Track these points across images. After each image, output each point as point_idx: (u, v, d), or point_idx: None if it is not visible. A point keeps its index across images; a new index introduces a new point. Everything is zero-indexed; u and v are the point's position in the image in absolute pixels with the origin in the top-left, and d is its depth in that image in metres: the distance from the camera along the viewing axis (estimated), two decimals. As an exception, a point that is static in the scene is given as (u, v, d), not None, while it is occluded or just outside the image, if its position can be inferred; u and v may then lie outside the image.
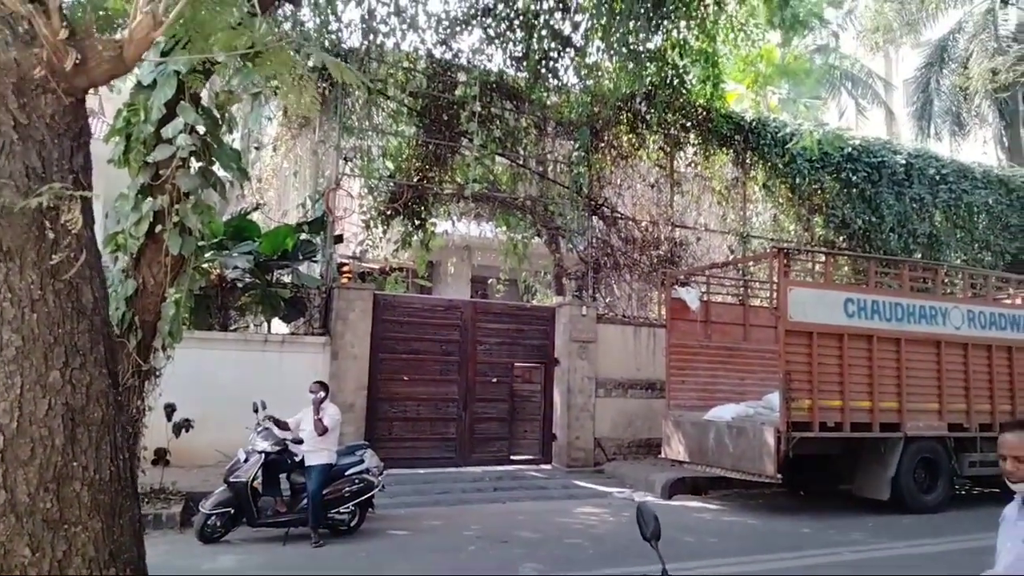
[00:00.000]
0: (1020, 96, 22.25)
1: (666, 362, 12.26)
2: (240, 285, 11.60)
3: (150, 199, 4.30)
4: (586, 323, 13.33)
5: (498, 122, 14.01)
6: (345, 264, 12.84)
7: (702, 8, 12.17)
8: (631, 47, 11.67)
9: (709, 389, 12.21)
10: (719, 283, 14.43)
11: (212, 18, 3.12)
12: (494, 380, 12.95)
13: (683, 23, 12.22)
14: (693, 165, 16.13)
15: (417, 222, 13.86)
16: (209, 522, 7.75)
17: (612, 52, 11.85)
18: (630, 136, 15.22)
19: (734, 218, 16.39)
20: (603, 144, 14.97)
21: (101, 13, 3.84)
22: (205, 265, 10.67)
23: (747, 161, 16.34)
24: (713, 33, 13.16)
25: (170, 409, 8.68)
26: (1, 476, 2.13)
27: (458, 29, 12.72)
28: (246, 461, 7.94)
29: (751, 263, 15.97)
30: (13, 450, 2.15)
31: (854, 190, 16.77)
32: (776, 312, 10.49)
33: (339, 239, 12.79)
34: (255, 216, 12.99)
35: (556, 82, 13.28)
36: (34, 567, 2.14)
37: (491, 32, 12.45)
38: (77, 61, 2.36)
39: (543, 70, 12.69)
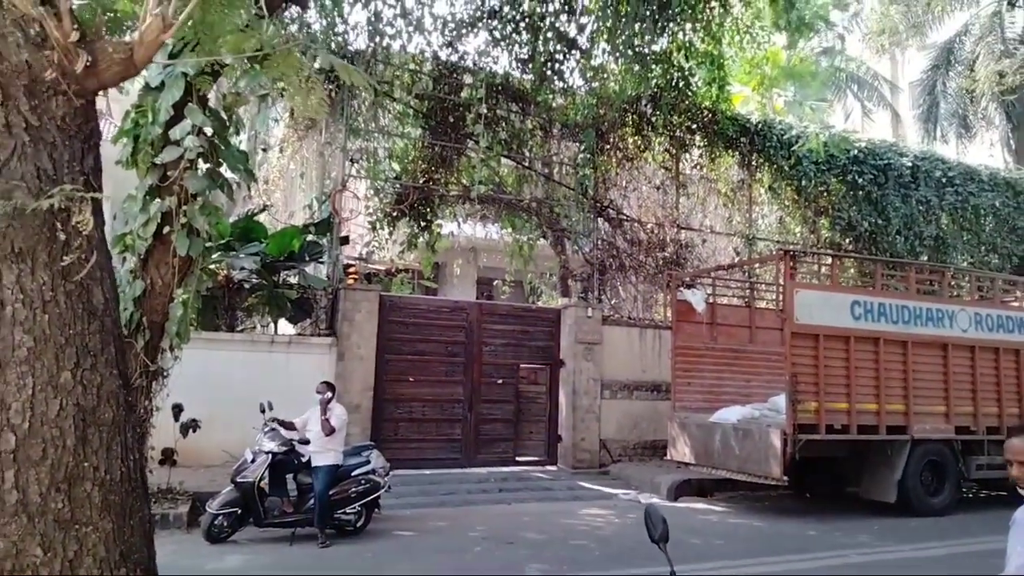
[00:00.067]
0: (1027, 98, 22.16)
1: (672, 364, 12.25)
2: (247, 286, 11.63)
3: (158, 200, 4.32)
4: (592, 325, 13.32)
5: (504, 124, 14.03)
6: (351, 265, 12.87)
7: (707, 10, 12.14)
8: (637, 49, 11.66)
9: (715, 391, 12.20)
10: (725, 285, 14.42)
11: (221, 20, 3.13)
12: (499, 381, 12.96)
13: (688, 25, 12.20)
14: (699, 167, 16.13)
15: (423, 223, 13.88)
16: (216, 522, 7.77)
17: (618, 54, 11.84)
18: (636, 138, 15.23)
19: (740, 220, 16.37)
20: (609, 146, 14.97)
21: (110, 15, 3.86)
22: (212, 266, 10.73)
23: (753, 163, 16.33)
24: (719, 35, 13.14)
25: (177, 409, 8.71)
26: (13, 476, 2.14)
27: (464, 31, 12.72)
28: (253, 461, 7.96)
29: (757, 265, 15.94)
30: (25, 450, 2.17)
31: (860, 192, 16.72)
32: (782, 314, 10.47)
33: (345, 240, 12.82)
34: (262, 217, 13.02)
35: (562, 84, 13.26)
36: (46, 567, 2.15)
37: (497, 34, 12.45)
38: (88, 63, 2.38)
39: (549, 72, 12.67)
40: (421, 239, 13.90)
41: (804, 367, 9.74)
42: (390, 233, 13.83)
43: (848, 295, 10.53)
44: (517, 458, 13.04)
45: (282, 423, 8.25)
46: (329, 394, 8.25)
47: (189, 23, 2.83)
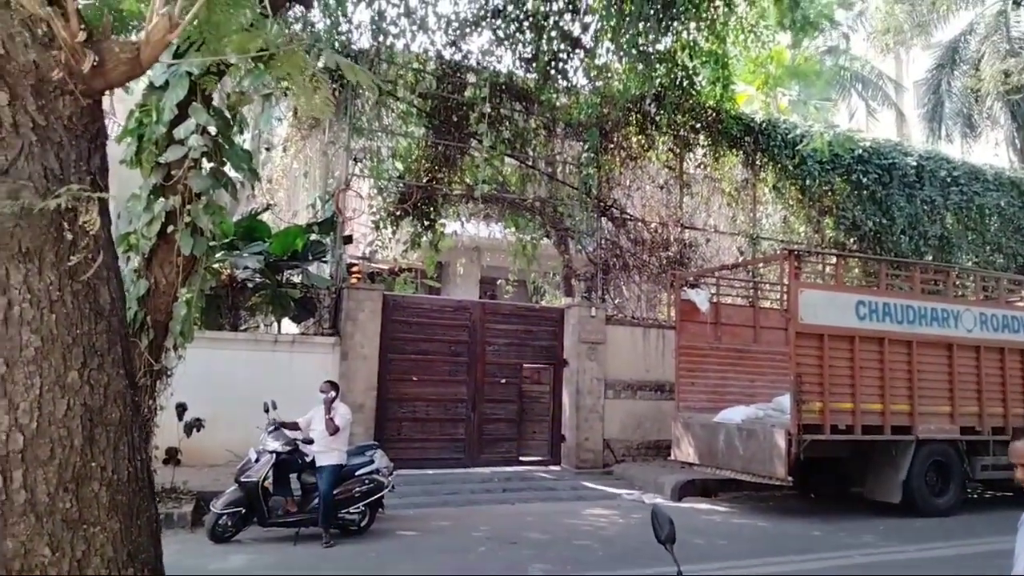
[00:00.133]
0: (1032, 98, 22.10)
1: (676, 364, 12.23)
2: (250, 285, 11.64)
3: (162, 199, 4.32)
4: (595, 324, 13.31)
5: (507, 123, 14.02)
6: (355, 264, 12.88)
7: (712, 9, 12.15)
8: (641, 48, 11.66)
9: (719, 391, 12.18)
10: (729, 285, 14.40)
11: (226, 20, 3.13)
12: (503, 381, 12.96)
13: (693, 24, 12.20)
14: (703, 167, 16.11)
15: (426, 223, 13.88)
16: (220, 522, 7.77)
17: (622, 53, 11.84)
18: (639, 137, 15.22)
19: (744, 220, 16.35)
20: (612, 145, 14.96)
21: (115, 14, 3.87)
22: (216, 265, 10.74)
23: (757, 163, 16.31)
24: (723, 34, 13.14)
25: (181, 409, 8.71)
26: (21, 476, 2.14)
27: (468, 30, 12.74)
28: (257, 461, 7.96)
29: (761, 265, 15.92)
30: (33, 450, 2.17)
31: (865, 192, 16.69)
32: (787, 314, 10.46)
33: (349, 240, 12.83)
34: (265, 217, 13.03)
35: (565, 83, 13.28)
36: (54, 567, 2.15)
37: (501, 33, 12.47)
38: (95, 63, 2.37)
39: (552, 71, 12.69)
40: (424, 238, 13.90)
41: (809, 367, 9.71)
42: (393, 232, 13.84)
43: (853, 295, 10.51)
44: (521, 458, 13.04)
45: (285, 424, 8.25)
46: (333, 393, 8.25)
47: (195, 23, 2.83)
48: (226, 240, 10.92)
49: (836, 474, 11.09)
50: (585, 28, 12.51)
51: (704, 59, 13.27)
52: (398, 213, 13.64)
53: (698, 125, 15.64)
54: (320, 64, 6.37)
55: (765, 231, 16.65)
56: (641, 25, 11.10)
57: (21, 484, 2.14)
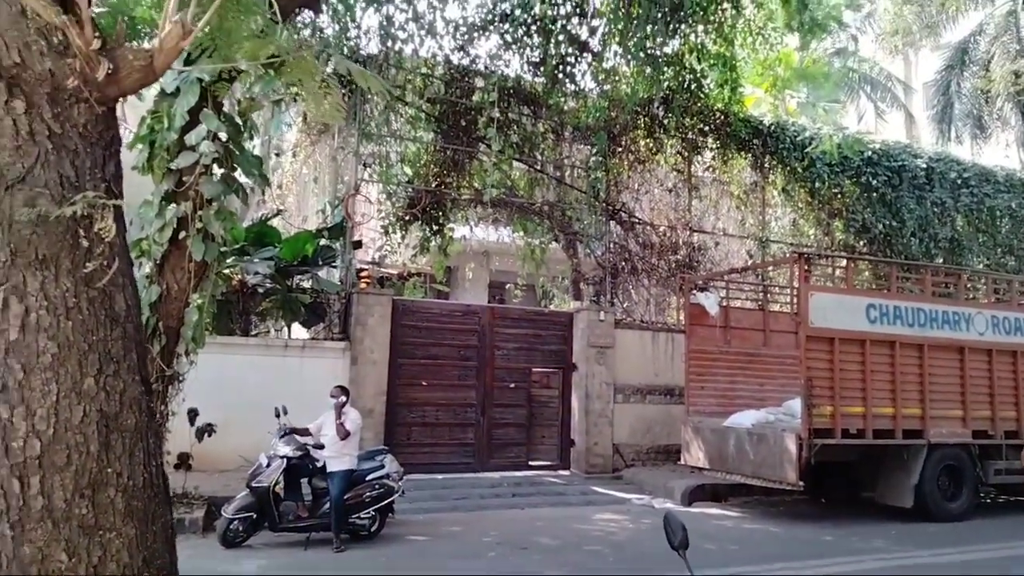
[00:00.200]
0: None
1: (685, 368, 12.20)
2: (261, 290, 11.68)
3: (173, 205, 4.35)
4: (604, 328, 13.29)
5: (515, 127, 14.03)
6: (364, 269, 12.90)
7: (720, 12, 12.13)
8: (648, 51, 11.65)
9: (728, 395, 12.15)
10: (738, 288, 14.36)
11: (238, 26, 3.14)
12: (512, 385, 12.95)
13: (700, 27, 12.19)
14: (711, 169, 16.09)
15: (435, 227, 13.91)
16: (231, 527, 7.78)
17: (629, 57, 11.83)
18: (648, 141, 15.21)
19: (753, 223, 16.31)
20: (620, 149, 14.96)
21: (127, 21, 3.89)
22: (227, 271, 10.78)
23: (766, 165, 16.27)
24: (731, 37, 13.12)
25: (193, 414, 8.75)
26: (39, 482, 2.15)
27: (476, 35, 12.77)
28: (268, 466, 7.98)
29: (771, 268, 15.87)
30: (49, 456, 2.17)
31: (874, 194, 16.62)
32: (797, 318, 10.41)
33: (358, 244, 12.86)
34: (276, 222, 13.08)
35: (573, 87, 13.28)
36: (71, 572, 2.16)
37: (508, 38, 12.48)
38: (109, 71, 2.38)
39: (560, 75, 12.70)
40: (433, 243, 13.93)
41: (819, 371, 9.67)
42: (402, 237, 13.87)
43: (863, 298, 10.47)
44: (530, 462, 13.02)
45: (296, 430, 8.26)
46: (343, 398, 8.27)
47: (207, 29, 2.84)
48: (237, 246, 10.96)
49: (847, 478, 11.03)
50: (593, 32, 12.52)
51: (712, 62, 13.23)
52: (407, 218, 13.67)
53: (706, 128, 15.62)
54: (329, 69, 6.40)
55: (774, 234, 16.60)
56: (649, 28, 11.10)
57: (38, 490, 2.15)
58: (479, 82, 13.51)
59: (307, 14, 9.68)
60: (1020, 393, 11.14)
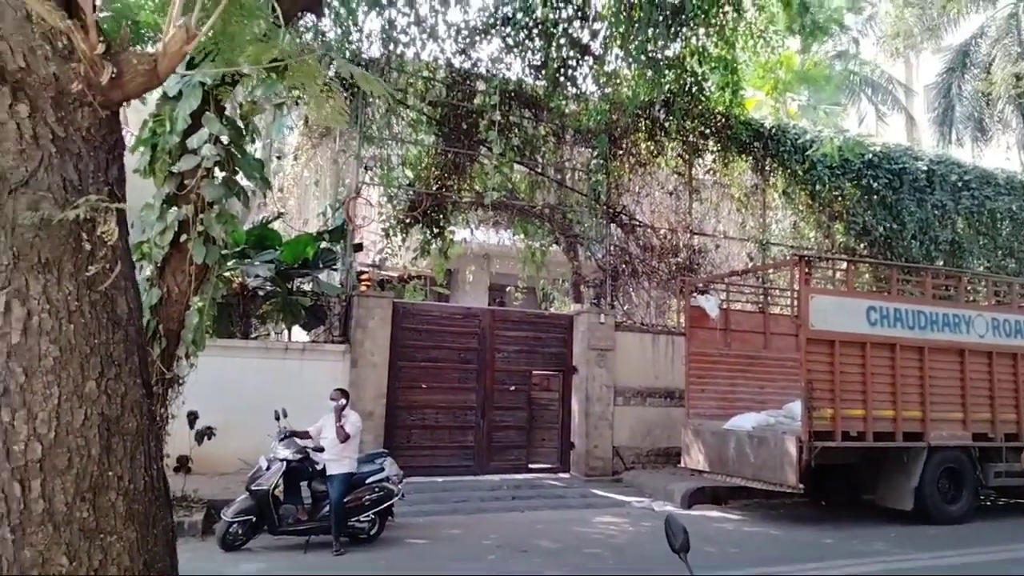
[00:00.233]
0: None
1: (685, 370, 12.20)
2: (261, 293, 11.68)
3: (175, 209, 4.36)
4: (604, 331, 13.30)
5: (517, 130, 14.05)
6: (364, 272, 12.90)
7: (721, 15, 12.15)
8: (650, 55, 11.67)
9: (729, 398, 12.14)
10: (739, 291, 14.36)
11: (241, 30, 3.15)
12: (512, 388, 12.95)
13: (702, 30, 12.22)
14: (712, 172, 16.10)
15: (436, 230, 13.92)
16: (231, 530, 7.78)
17: (631, 60, 11.85)
18: (648, 143, 15.22)
19: (753, 225, 16.32)
20: (621, 152, 14.97)
21: (131, 25, 3.90)
22: (228, 274, 10.78)
23: (766, 168, 16.28)
24: (732, 40, 13.15)
25: (192, 417, 8.76)
26: (40, 486, 2.15)
27: (477, 38, 12.80)
28: (268, 469, 7.98)
29: (771, 271, 15.88)
30: (51, 460, 2.18)
31: (875, 197, 16.64)
32: (797, 320, 10.41)
33: (359, 247, 12.86)
34: (276, 225, 13.09)
35: (575, 90, 13.31)
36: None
37: (510, 41, 12.51)
38: (113, 75, 2.39)
39: (562, 78, 12.72)
40: (434, 246, 13.94)
41: (820, 373, 9.67)
42: (403, 240, 13.88)
43: (864, 300, 10.47)
44: (530, 465, 13.01)
45: (296, 433, 8.26)
46: (343, 401, 8.27)
47: (210, 33, 2.85)
48: (237, 249, 10.96)
49: (847, 481, 11.03)
50: (594, 35, 12.55)
51: (713, 65, 13.26)
52: (408, 220, 13.68)
53: (707, 131, 15.63)
54: (331, 73, 6.41)
55: (775, 236, 16.61)
56: (650, 31, 11.12)
57: (39, 494, 2.15)
58: (480, 85, 13.53)
59: (309, 18, 9.70)
60: (1020, 396, 11.13)
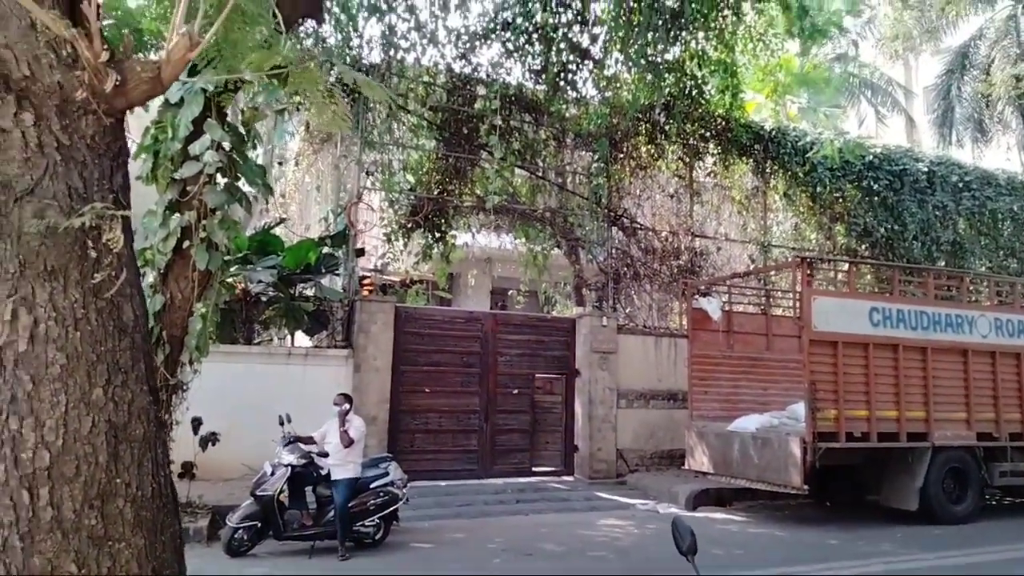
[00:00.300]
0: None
1: (688, 372, 12.19)
2: (264, 299, 11.69)
3: (178, 215, 4.37)
4: (607, 334, 13.29)
5: (517, 135, 14.08)
6: (367, 277, 12.92)
7: (720, 19, 12.18)
8: (649, 58, 11.69)
9: (732, 399, 12.12)
10: (741, 293, 14.36)
11: (243, 37, 3.16)
12: (515, 392, 12.94)
13: (701, 34, 12.24)
14: (713, 175, 16.11)
15: (437, 234, 13.93)
16: (236, 536, 7.77)
17: (630, 64, 11.87)
18: (649, 147, 15.23)
19: (754, 227, 16.32)
20: (622, 155, 14.98)
21: (135, 33, 3.92)
22: (230, 280, 10.79)
23: (767, 170, 16.29)
24: (731, 43, 13.16)
25: (197, 423, 8.76)
26: (48, 493, 2.16)
27: (477, 43, 12.83)
28: (272, 474, 7.97)
29: (773, 272, 15.88)
30: (59, 467, 2.18)
31: (876, 198, 16.64)
32: (800, 322, 10.41)
33: (361, 252, 12.87)
34: (279, 230, 13.11)
35: (575, 94, 13.32)
36: (80, 583, 2.17)
37: (510, 46, 12.53)
38: (117, 83, 2.40)
39: (562, 82, 12.73)
40: (436, 250, 13.94)
41: (823, 375, 9.67)
42: (405, 244, 13.89)
43: (866, 302, 10.46)
44: (533, 468, 13.00)
45: (300, 438, 8.26)
46: (347, 406, 8.27)
47: (212, 40, 2.86)
48: (240, 254, 10.99)
49: (851, 482, 11.01)
50: (594, 39, 12.57)
51: (713, 68, 13.27)
52: (409, 225, 13.69)
53: (708, 134, 15.64)
54: (332, 79, 6.43)
55: (776, 239, 16.61)
56: (650, 35, 11.14)
57: (48, 501, 2.16)
58: (481, 90, 13.55)
59: (309, 24, 9.72)
60: (1024, 395, 11.13)
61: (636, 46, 11.16)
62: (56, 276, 2.27)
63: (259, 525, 7.86)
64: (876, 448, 10.01)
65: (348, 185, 13.22)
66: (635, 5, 11.09)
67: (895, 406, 10.10)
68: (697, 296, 12.50)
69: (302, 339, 12.72)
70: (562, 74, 12.57)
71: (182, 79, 3.77)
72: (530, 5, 11.89)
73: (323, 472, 8.26)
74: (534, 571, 7.53)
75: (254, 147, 5.11)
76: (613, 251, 14.64)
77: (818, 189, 16.23)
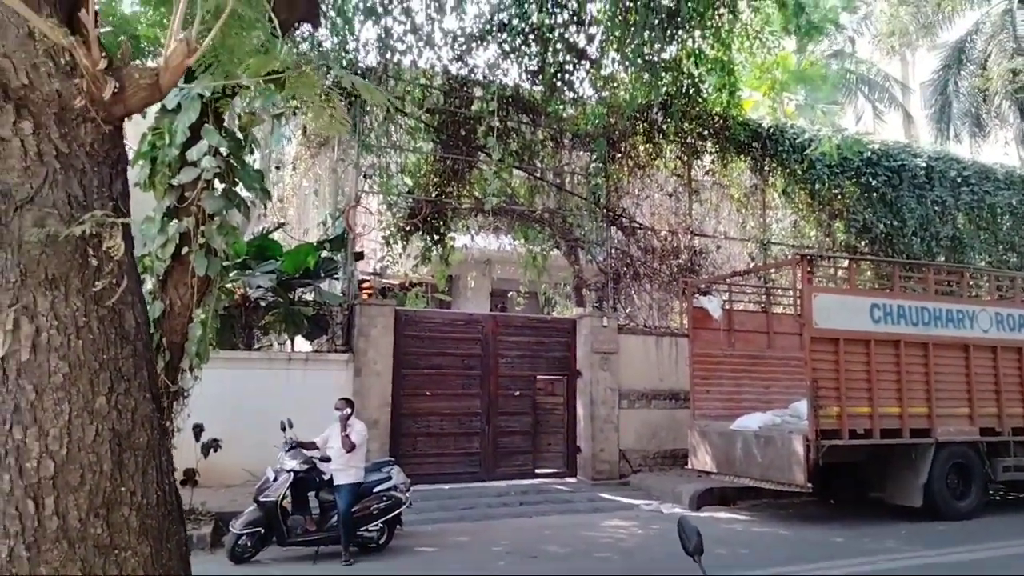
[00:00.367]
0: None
1: (690, 372, 12.18)
2: (263, 304, 11.68)
3: (176, 221, 4.36)
4: (607, 334, 13.28)
5: (515, 136, 14.07)
6: (366, 281, 12.91)
7: (717, 17, 12.17)
8: (646, 58, 11.69)
9: (734, 398, 12.12)
10: (741, 291, 14.35)
11: (240, 43, 3.16)
12: (516, 393, 12.93)
13: (698, 32, 12.23)
14: (711, 173, 16.10)
15: (436, 237, 13.91)
16: (240, 542, 7.75)
17: (627, 63, 11.87)
18: (647, 146, 15.23)
19: (754, 225, 16.32)
20: (620, 155, 14.98)
21: (131, 40, 3.90)
22: (229, 285, 10.77)
23: (765, 168, 16.28)
24: (728, 41, 13.16)
25: (198, 429, 8.75)
26: (53, 503, 2.15)
27: (474, 45, 12.81)
28: (275, 480, 7.95)
29: (773, 270, 15.87)
30: (64, 476, 2.18)
31: (875, 194, 16.64)
32: (801, 319, 10.41)
33: (359, 256, 12.86)
34: (277, 235, 13.09)
35: (572, 94, 13.31)
36: (87, 593, 2.16)
37: (506, 47, 12.52)
38: (115, 90, 2.40)
39: (559, 83, 12.73)
40: (435, 252, 13.93)
41: (825, 372, 9.66)
42: (404, 247, 13.88)
43: (867, 298, 10.47)
44: (536, 470, 12.98)
45: (302, 443, 8.24)
46: (348, 410, 8.24)
47: (210, 46, 2.86)
48: (239, 260, 10.97)
49: (855, 479, 11.01)
50: (590, 39, 12.56)
51: (710, 66, 13.27)
52: (408, 228, 13.68)
53: (705, 132, 15.63)
54: (328, 82, 6.42)
55: (775, 236, 16.60)
56: (646, 34, 11.13)
57: (53, 511, 2.15)
58: (478, 91, 13.55)
59: (305, 27, 9.72)
60: (1027, 390, 11.12)
61: (632, 45, 11.15)
62: (57, 284, 2.26)
63: (262, 531, 7.83)
64: (879, 445, 10.00)
65: (346, 189, 13.21)
66: (631, 4, 11.09)
67: (897, 402, 10.10)
68: (697, 295, 12.49)
69: (302, 344, 12.71)
70: (559, 74, 12.56)
71: (179, 85, 3.77)
72: (526, 6, 11.88)
73: (326, 477, 8.24)
74: (539, 573, 7.51)
75: (251, 152, 5.10)
76: (612, 251, 14.64)
77: (817, 186, 16.23)
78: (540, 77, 12.71)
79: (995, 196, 17.78)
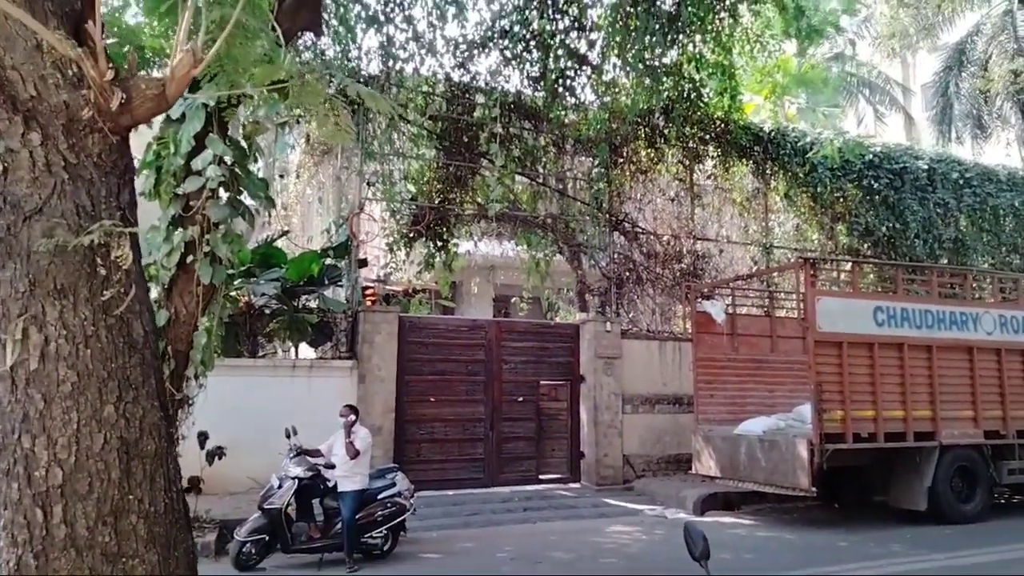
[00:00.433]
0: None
1: (693, 376, 12.17)
2: (268, 311, 11.70)
3: (181, 230, 4.37)
4: (611, 339, 13.28)
5: (517, 142, 14.10)
6: (370, 287, 12.92)
7: (717, 21, 12.20)
8: (647, 63, 11.72)
9: (738, 402, 12.10)
10: (744, 295, 14.34)
11: (244, 53, 3.18)
12: (520, 399, 12.93)
13: (698, 37, 12.26)
14: (713, 177, 16.12)
15: (439, 243, 13.94)
16: (244, 549, 7.76)
17: (628, 68, 11.90)
18: (649, 151, 15.25)
19: (756, 229, 16.32)
20: (622, 160, 15.00)
21: (127, 49, 3.93)
22: (234, 293, 10.81)
23: (767, 171, 16.29)
24: (729, 45, 13.19)
25: (203, 437, 8.75)
26: (61, 511, 2.16)
27: (476, 52, 12.86)
28: (279, 487, 7.95)
29: (776, 274, 15.87)
30: (72, 485, 2.19)
31: (877, 197, 16.63)
32: (804, 323, 10.40)
33: (363, 263, 12.88)
34: (281, 243, 13.12)
35: (574, 100, 13.35)
36: (96, 601, 2.17)
37: (508, 54, 12.56)
38: (122, 101, 2.42)
39: (560, 89, 12.76)
40: (438, 259, 13.96)
41: (828, 375, 9.65)
42: (407, 254, 13.90)
43: (870, 301, 10.45)
44: (540, 476, 12.97)
45: (307, 450, 8.25)
46: (352, 417, 8.25)
47: (215, 56, 2.88)
48: (243, 268, 11.00)
49: (859, 483, 10.98)
50: (591, 45, 12.60)
51: (711, 71, 13.30)
52: (411, 235, 13.71)
53: (707, 136, 15.66)
54: (332, 90, 6.45)
55: (778, 240, 16.60)
56: (647, 40, 11.16)
57: (61, 519, 2.16)
58: (480, 98, 13.59)
59: (308, 36, 9.77)
60: (1031, 392, 11.09)
61: (633, 50, 11.19)
62: (66, 294, 2.28)
63: (267, 538, 7.84)
64: (883, 448, 9.97)
65: (349, 196, 13.24)
66: (632, 10, 11.12)
67: (901, 405, 10.07)
68: (700, 299, 12.49)
69: (306, 351, 12.72)
70: (560, 80, 12.59)
71: (184, 95, 3.80)
72: (527, 12, 11.93)
73: (330, 484, 8.24)
74: (544, 578, 7.52)
75: (256, 160, 5.12)
76: (615, 256, 14.64)
77: (819, 189, 16.23)
78: (542, 83, 12.75)
79: (997, 198, 17.76)
